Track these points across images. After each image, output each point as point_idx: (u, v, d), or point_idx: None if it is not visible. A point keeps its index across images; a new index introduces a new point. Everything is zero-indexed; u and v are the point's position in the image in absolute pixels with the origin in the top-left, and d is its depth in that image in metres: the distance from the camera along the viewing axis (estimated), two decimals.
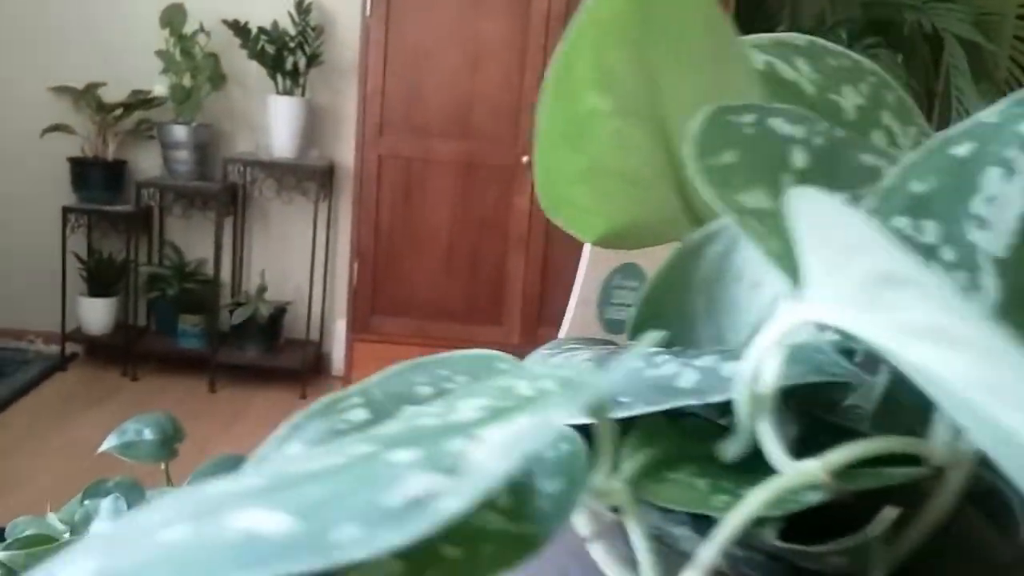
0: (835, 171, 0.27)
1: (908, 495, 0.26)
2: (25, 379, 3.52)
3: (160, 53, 3.53)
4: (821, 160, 0.27)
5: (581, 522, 0.27)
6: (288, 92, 3.60)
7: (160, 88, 3.58)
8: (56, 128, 3.56)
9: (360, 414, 0.25)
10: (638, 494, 0.26)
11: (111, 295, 3.73)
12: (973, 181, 0.25)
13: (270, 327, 3.71)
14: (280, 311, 3.76)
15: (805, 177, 0.27)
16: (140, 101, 3.64)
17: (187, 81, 3.56)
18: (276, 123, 3.62)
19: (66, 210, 3.61)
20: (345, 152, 3.71)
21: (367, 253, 3.44)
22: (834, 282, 0.20)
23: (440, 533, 0.19)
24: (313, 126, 3.72)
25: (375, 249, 3.43)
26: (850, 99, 0.36)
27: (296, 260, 3.86)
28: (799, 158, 0.27)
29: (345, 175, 3.74)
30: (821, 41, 0.37)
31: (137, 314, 3.79)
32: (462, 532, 0.20)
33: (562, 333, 0.51)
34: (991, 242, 0.24)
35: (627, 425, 0.30)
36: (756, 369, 0.24)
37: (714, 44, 0.31)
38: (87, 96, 3.59)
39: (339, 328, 3.76)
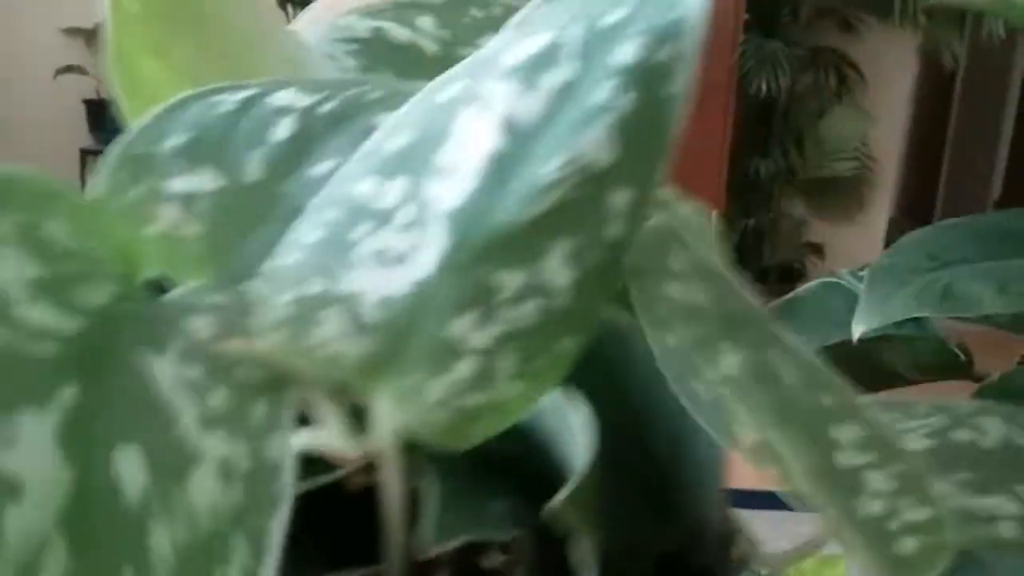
0: (332, 133, 0.23)
1: None
2: None
3: None
4: (319, 125, 0.23)
5: None
6: None
7: None
8: (69, 69, 3.56)
9: None
10: None
11: None
12: (446, 128, 0.21)
13: None
14: None
15: (284, 145, 0.23)
16: None
17: None
18: None
19: (84, 152, 3.63)
20: None
21: None
22: None
23: None
24: None
25: None
26: None
27: None
28: (283, 129, 0.24)
29: None
30: None
31: None
32: None
33: None
34: (450, 192, 0.20)
35: None
36: None
37: (256, 29, 0.31)
38: (99, 36, 3.56)
39: None
